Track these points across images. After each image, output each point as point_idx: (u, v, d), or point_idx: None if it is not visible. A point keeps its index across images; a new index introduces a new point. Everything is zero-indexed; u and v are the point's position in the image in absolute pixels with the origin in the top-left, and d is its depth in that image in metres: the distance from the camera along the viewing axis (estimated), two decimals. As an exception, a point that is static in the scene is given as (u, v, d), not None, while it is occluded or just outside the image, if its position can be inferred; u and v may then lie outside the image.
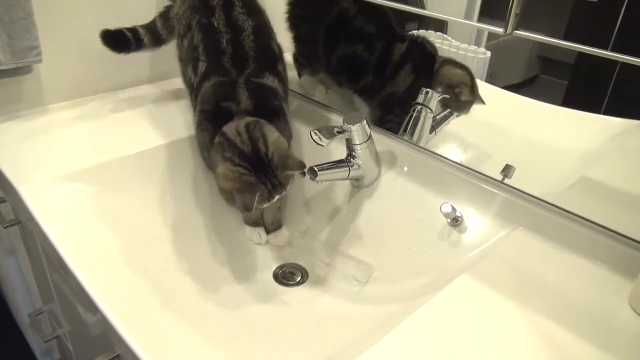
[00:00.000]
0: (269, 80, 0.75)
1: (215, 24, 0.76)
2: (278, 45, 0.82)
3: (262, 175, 0.63)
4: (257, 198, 0.62)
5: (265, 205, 0.66)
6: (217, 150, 0.66)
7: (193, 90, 0.79)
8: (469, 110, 0.77)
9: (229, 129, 0.67)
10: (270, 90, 0.75)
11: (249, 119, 0.68)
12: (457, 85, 0.77)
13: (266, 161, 0.64)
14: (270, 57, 0.79)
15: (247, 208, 0.61)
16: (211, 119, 0.72)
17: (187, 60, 0.81)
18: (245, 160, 0.63)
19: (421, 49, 0.82)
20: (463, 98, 0.77)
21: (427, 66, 0.80)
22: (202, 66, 0.76)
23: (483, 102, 0.75)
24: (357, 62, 0.89)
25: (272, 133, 0.66)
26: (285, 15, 0.94)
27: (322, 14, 0.90)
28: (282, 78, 0.79)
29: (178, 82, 1.05)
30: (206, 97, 0.74)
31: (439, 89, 0.79)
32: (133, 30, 0.91)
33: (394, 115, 0.88)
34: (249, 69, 0.74)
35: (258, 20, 0.78)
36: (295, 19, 0.94)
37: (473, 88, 0.76)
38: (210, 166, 0.73)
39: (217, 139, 0.67)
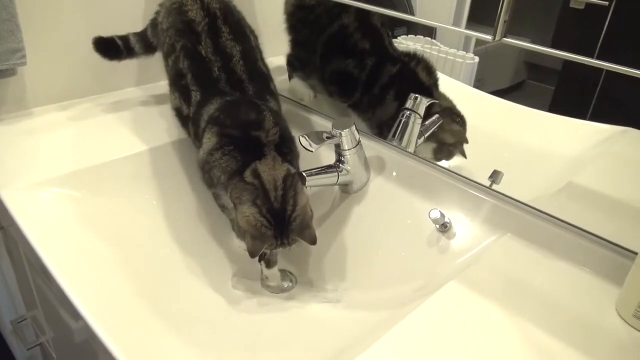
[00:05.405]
0: (273, 104, 0.76)
1: (203, 52, 0.75)
2: (265, 65, 0.82)
3: (278, 232, 0.65)
4: (264, 248, 0.65)
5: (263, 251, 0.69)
6: (249, 191, 0.65)
7: (189, 118, 0.77)
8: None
9: (266, 173, 0.66)
10: (279, 114, 0.75)
11: (286, 169, 0.67)
12: (453, 145, 0.78)
13: (287, 222, 0.65)
14: (261, 77, 0.79)
15: (251, 254, 0.64)
16: (241, 147, 0.69)
17: (174, 84, 0.80)
18: (271, 215, 0.64)
19: (411, 78, 0.81)
20: (455, 154, 0.78)
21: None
22: (195, 96, 0.75)
23: (464, 157, 0.77)
24: (348, 78, 0.89)
25: (302, 197, 0.67)
26: (286, 16, 0.93)
27: (324, 24, 0.90)
28: (276, 96, 0.80)
29: (164, 86, 1.04)
30: (227, 121, 0.70)
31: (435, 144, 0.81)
32: (124, 38, 0.91)
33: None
34: (250, 92, 0.75)
35: (245, 44, 0.78)
36: (297, 22, 0.94)
37: (464, 141, 0.77)
38: (225, 200, 0.71)
39: (249, 177, 0.66)
